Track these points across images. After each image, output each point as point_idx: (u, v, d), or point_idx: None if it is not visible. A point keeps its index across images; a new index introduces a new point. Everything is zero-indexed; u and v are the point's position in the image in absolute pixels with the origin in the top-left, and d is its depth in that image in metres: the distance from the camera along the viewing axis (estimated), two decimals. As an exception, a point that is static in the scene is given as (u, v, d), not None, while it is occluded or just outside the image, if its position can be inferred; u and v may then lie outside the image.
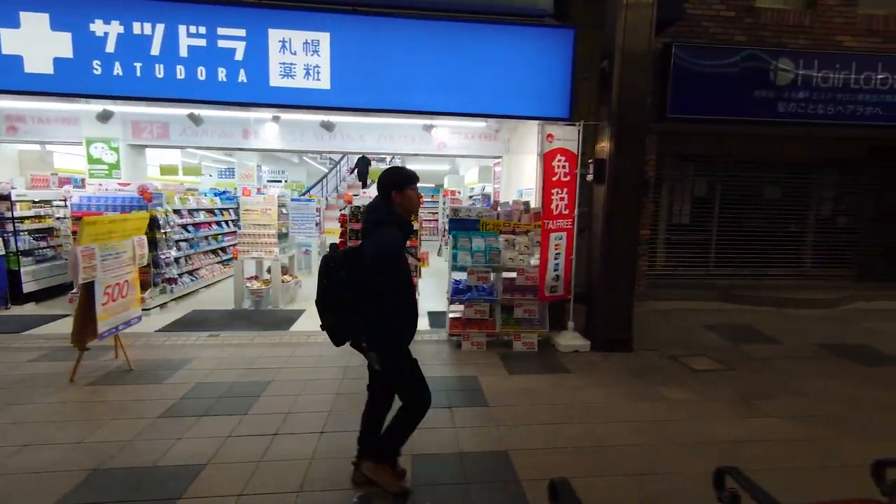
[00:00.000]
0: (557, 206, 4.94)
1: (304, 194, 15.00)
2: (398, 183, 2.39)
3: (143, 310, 6.20)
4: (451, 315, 5.30)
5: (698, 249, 8.23)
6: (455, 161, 15.17)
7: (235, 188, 12.32)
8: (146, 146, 6.93)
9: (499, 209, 5.57)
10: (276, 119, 5.55)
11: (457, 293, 5.27)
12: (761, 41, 6.38)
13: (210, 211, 8.62)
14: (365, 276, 2.28)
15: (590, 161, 5.15)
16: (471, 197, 12.03)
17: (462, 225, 5.51)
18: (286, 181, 15.81)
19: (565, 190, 4.94)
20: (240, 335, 5.51)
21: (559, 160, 4.82)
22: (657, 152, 6.62)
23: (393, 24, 4.52)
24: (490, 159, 8.25)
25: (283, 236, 7.27)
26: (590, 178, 5.15)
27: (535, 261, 5.24)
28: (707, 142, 7.46)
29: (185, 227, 7.64)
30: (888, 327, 6.04)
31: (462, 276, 5.27)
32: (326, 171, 17.64)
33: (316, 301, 2.43)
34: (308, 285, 8.46)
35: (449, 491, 2.64)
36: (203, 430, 3.25)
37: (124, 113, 6.43)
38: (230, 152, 13.15)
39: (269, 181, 15.97)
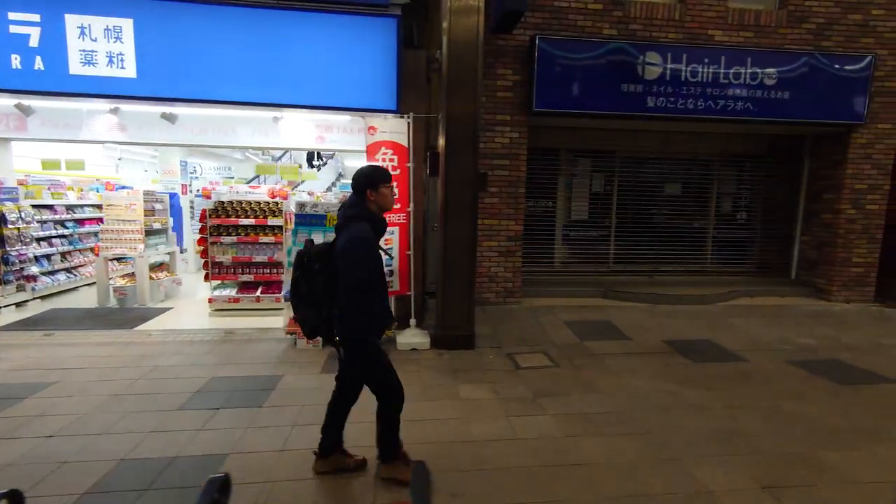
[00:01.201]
0: (387, 200, 4.81)
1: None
2: (373, 181, 2.46)
3: (-7, 308, 6.04)
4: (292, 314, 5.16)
5: (598, 245, 8.19)
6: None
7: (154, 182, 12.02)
8: (9, 139, 6.67)
9: (347, 204, 5.43)
10: (114, 111, 5.35)
11: (296, 290, 5.13)
12: (631, 35, 6.31)
13: (98, 206, 8.38)
14: (338, 270, 2.36)
15: (427, 154, 5.05)
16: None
17: (309, 220, 5.38)
18: (233, 178, 15.51)
19: (395, 184, 4.81)
20: (77, 334, 5.32)
21: (384, 153, 4.69)
22: (528, 147, 6.51)
23: (199, 10, 4.35)
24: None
25: (157, 232, 7.08)
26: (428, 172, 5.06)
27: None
28: (594, 136, 7.41)
29: (62, 222, 7.41)
30: (747, 323, 6.02)
31: (300, 272, 5.13)
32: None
33: (290, 295, 2.51)
34: (190, 282, 8.22)
35: (116, 498, 2.50)
36: (-77, 436, 3.08)
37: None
38: (156, 147, 12.85)
39: (225, 178, 15.64)
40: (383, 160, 4.72)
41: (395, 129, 4.74)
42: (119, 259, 6.73)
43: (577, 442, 3.09)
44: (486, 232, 6.45)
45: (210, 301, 6.15)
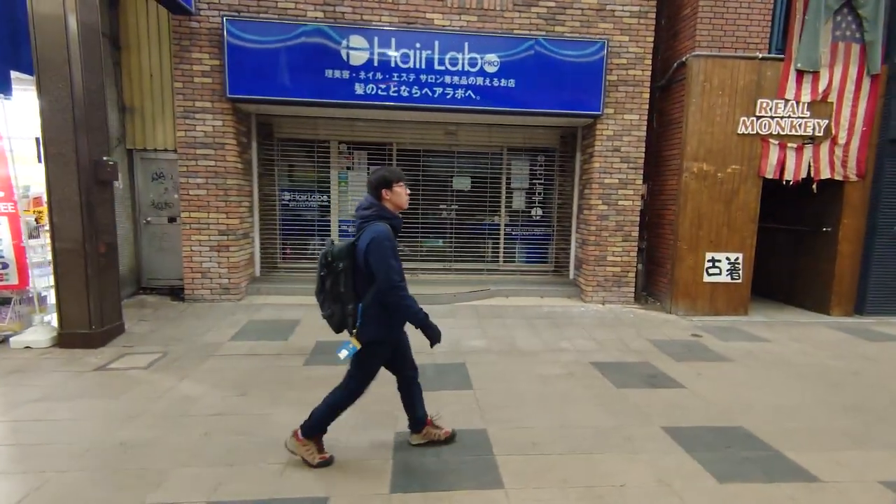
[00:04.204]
0: (-21, 188, 4.50)
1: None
2: (388, 181, 2.58)
3: None
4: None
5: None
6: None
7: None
8: None
9: (-9, 193, 5.11)
10: None
11: (-86, 284, 4.83)
12: (340, 17, 5.96)
13: None
14: (359, 267, 2.50)
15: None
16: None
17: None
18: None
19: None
20: None
21: (-38, 137, 4.38)
22: (236, 135, 6.16)
23: None
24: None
25: None
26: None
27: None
28: (364, 127, 7.11)
29: None
30: (450, 324, 5.45)
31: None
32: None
33: (315, 292, 2.65)
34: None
35: None
36: None
37: None
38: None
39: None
40: (-36, 145, 4.40)
41: (-20, 111, 4.42)
42: None
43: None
44: (194, 225, 6.14)
45: None
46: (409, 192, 2.71)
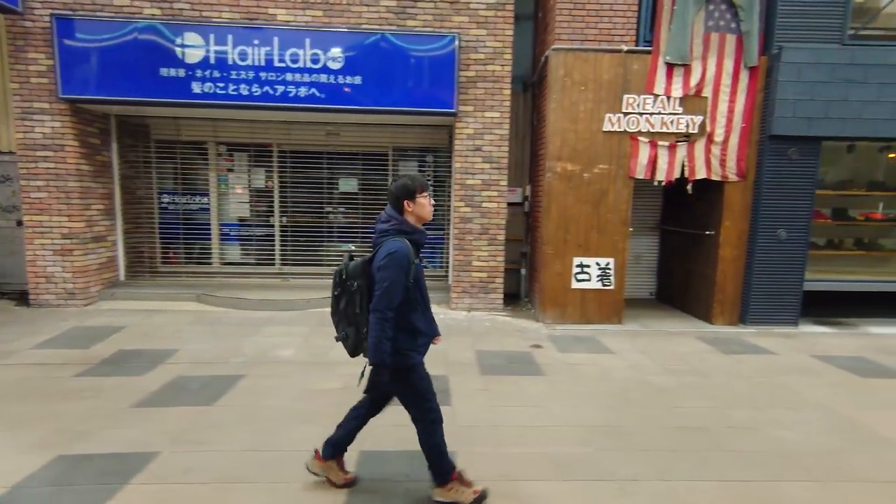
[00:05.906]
0: None
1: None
2: (410, 191, 2.32)
3: None
4: None
5: (263, 245, 7.67)
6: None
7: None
8: None
9: None
10: None
11: None
12: (178, 14, 5.78)
13: None
14: (376, 287, 2.25)
15: None
16: None
17: None
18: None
19: None
20: None
21: None
22: (78, 137, 6.01)
23: None
24: None
25: None
26: None
27: None
28: (237, 128, 6.97)
29: None
30: (282, 331, 5.41)
31: None
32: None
33: (330, 313, 2.43)
34: None
35: None
36: None
37: None
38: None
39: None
40: None
41: None
42: None
43: None
44: (36, 229, 6.01)
45: None
46: (433, 202, 2.44)
